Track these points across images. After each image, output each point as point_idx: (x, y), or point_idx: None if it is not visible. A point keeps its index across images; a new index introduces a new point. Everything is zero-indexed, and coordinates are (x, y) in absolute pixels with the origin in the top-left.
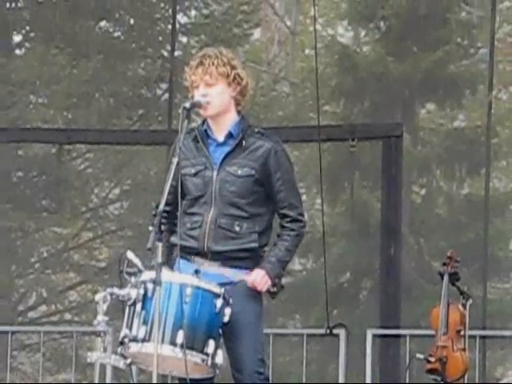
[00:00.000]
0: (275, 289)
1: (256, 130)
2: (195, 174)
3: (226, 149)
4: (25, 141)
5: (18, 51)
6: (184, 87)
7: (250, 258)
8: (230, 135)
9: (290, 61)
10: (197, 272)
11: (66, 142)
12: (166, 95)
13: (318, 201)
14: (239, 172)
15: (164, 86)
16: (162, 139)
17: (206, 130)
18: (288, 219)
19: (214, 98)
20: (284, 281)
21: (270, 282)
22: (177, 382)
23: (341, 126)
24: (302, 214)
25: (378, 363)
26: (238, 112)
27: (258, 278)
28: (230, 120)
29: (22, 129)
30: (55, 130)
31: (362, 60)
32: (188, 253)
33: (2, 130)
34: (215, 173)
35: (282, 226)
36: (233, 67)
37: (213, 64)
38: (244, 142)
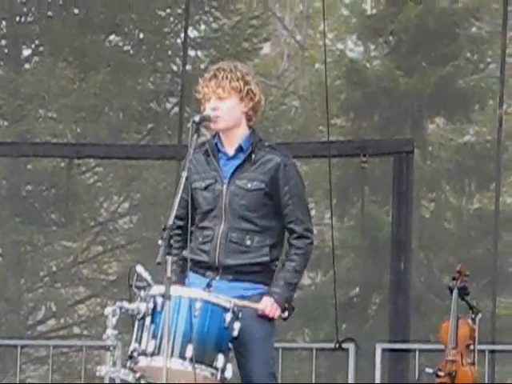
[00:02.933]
0: (286, 314)
1: (266, 143)
2: (205, 188)
3: (236, 162)
4: (35, 155)
5: (27, 65)
6: (196, 100)
7: (261, 272)
8: (240, 149)
9: (299, 75)
10: (209, 285)
11: (75, 156)
12: (176, 109)
13: (327, 215)
14: (249, 185)
15: (173, 99)
16: (172, 154)
17: (216, 144)
18: (295, 235)
19: (224, 112)
20: (293, 301)
21: (279, 310)
22: None
23: (352, 142)
24: (309, 230)
25: (387, 378)
26: (249, 127)
27: (268, 307)
28: (241, 134)
29: (32, 143)
30: (65, 144)
31: (371, 74)
32: (200, 267)
33: (11, 145)
34: (225, 186)
35: (290, 244)
36: (246, 82)
37: (226, 78)
38: (254, 155)
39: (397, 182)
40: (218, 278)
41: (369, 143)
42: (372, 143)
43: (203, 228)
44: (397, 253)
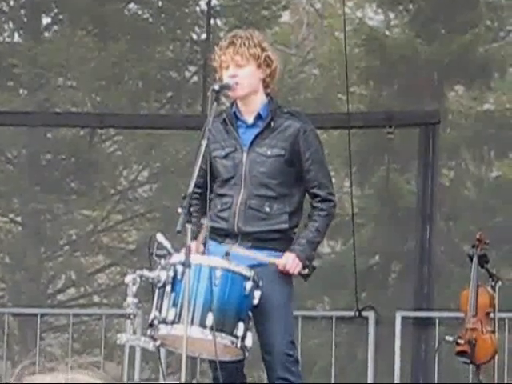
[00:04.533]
0: (307, 271)
1: (285, 110)
2: (225, 156)
3: (256, 130)
4: (58, 125)
5: (46, 34)
6: (212, 68)
7: (280, 240)
8: (259, 117)
9: (319, 43)
10: (227, 254)
11: (98, 126)
12: (195, 78)
13: (347, 183)
14: (269, 152)
15: (193, 68)
16: (196, 124)
17: (235, 113)
18: (318, 199)
19: (243, 79)
20: (314, 263)
21: (300, 265)
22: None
23: (378, 113)
24: (331, 194)
25: (407, 346)
26: (267, 94)
27: (289, 261)
28: (259, 102)
29: (56, 113)
30: (88, 114)
31: (390, 43)
32: (218, 234)
33: (34, 114)
34: (245, 154)
35: (313, 207)
36: (263, 49)
37: (244, 45)
38: (273, 122)
39: (423, 153)
40: (236, 245)
41: (395, 114)
42: (398, 114)
43: (222, 195)
44: (422, 223)
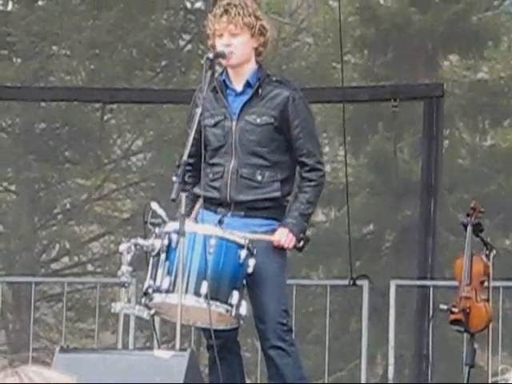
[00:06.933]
0: (301, 244)
1: (274, 78)
2: (215, 125)
3: (244, 98)
4: (67, 100)
5: (40, 2)
6: (206, 35)
7: (273, 208)
8: (247, 84)
9: (313, 12)
10: (220, 222)
11: (108, 101)
12: (189, 46)
13: (341, 152)
14: (258, 121)
15: (187, 36)
16: None
17: (224, 81)
18: (306, 168)
19: (237, 48)
20: (308, 232)
21: (294, 239)
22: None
23: (383, 87)
24: (320, 162)
25: (401, 314)
26: (257, 62)
27: (283, 237)
28: (249, 70)
29: (65, 88)
30: (98, 89)
31: (384, 11)
32: (211, 204)
33: (42, 89)
34: (234, 123)
35: (302, 177)
36: (257, 18)
37: (239, 14)
38: (261, 90)
39: (427, 126)
40: (229, 214)
41: (399, 88)
42: (402, 88)
43: (213, 165)
44: (427, 196)
